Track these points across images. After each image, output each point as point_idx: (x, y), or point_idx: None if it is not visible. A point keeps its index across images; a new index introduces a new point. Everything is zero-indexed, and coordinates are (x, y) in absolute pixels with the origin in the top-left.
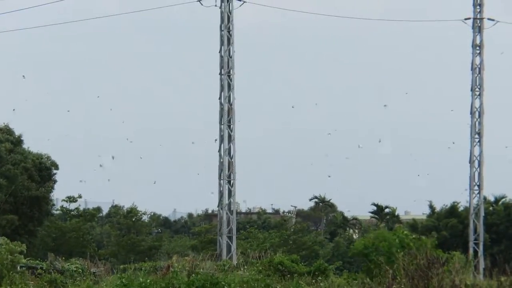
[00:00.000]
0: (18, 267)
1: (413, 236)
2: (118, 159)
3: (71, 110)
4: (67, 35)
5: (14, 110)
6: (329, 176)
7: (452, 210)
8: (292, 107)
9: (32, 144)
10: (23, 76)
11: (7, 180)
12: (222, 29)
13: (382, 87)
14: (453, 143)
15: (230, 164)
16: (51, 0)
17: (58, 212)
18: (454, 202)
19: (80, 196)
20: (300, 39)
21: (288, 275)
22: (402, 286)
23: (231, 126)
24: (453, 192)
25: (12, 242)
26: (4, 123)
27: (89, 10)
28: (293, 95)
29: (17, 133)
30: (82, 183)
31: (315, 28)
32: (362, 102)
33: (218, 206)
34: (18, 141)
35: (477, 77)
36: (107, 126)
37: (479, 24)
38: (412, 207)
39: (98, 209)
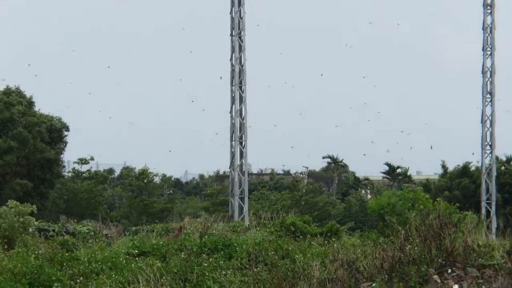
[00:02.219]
0: (30, 230)
1: (438, 199)
2: (130, 121)
3: (83, 77)
4: None
5: (29, 65)
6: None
7: (464, 170)
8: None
9: (46, 104)
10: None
11: (19, 143)
12: None
13: (391, 47)
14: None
15: (242, 125)
16: None
17: (70, 174)
18: (466, 162)
19: (92, 158)
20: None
21: (300, 236)
22: (415, 246)
23: (243, 87)
24: (465, 151)
25: (22, 204)
26: (15, 86)
27: None
28: (305, 58)
29: (27, 95)
30: (94, 145)
31: None
32: (371, 62)
33: (229, 167)
34: (30, 103)
35: (489, 37)
36: (118, 89)
37: None
38: (424, 167)
39: (110, 171)
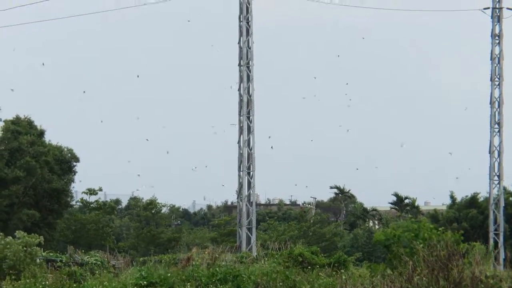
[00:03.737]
0: (38, 260)
1: (440, 228)
2: (138, 153)
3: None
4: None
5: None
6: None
7: (473, 201)
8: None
9: (54, 136)
10: (43, 63)
11: (26, 172)
12: (241, 20)
13: (398, 78)
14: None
15: (250, 156)
16: None
17: (78, 204)
18: (474, 193)
19: (100, 189)
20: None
21: (308, 267)
22: (423, 277)
23: (251, 117)
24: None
25: (29, 235)
26: (24, 116)
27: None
28: (312, 88)
29: (38, 125)
30: (102, 176)
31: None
32: (380, 95)
33: (237, 198)
34: (40, 134)
35: (497, 67)
36: (126, 120)
37: (498, 14)
38: (432, 197)
39: (117, 201)
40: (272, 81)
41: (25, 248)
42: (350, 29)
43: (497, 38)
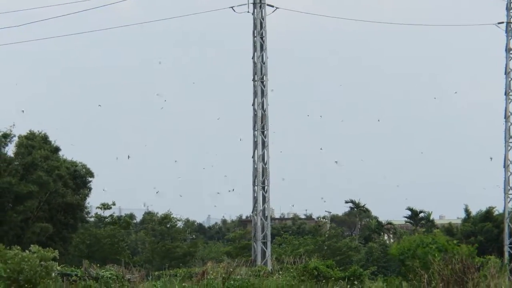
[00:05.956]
0: (53, 274)
1: (455, 241)
2: (151, 166)
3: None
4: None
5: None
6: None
7: (488, 215)
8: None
9: (69, 151)
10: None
11: (39, 187)
12: (255, 35)
13: (412, 93)
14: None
15: (264, 170)
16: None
17: (92, 219)
18: (489, 207)
19: (114, 204)
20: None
21: (323, 281)
22: None
23: (265, 132)
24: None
25: (44, 249)
26: (38, 131)
27: (113, 17)
28: (327, 100)
29: (52, 141)
30: (116, 190)
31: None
32: (389, 109)
33: (252, 212)
34: (55, 149)
35: (511, 81)
36: (137, 135)
37: None
38: (447, 211)
39: (131, 216)
40: (287, 95)
41: (41, 262)
42: (362, 43)
43: (511, 52)
